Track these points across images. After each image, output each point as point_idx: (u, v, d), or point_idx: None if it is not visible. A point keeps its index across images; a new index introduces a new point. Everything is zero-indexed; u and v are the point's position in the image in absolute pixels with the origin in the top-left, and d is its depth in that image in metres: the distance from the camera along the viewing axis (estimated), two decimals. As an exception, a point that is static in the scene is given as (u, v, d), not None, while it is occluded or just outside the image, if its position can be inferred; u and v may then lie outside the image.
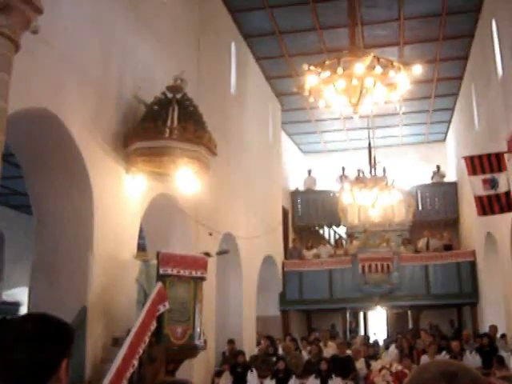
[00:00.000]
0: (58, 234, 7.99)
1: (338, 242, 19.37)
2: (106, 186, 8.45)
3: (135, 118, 9.03)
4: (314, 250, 18.52)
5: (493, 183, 9.32)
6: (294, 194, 21.61)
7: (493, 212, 9.53)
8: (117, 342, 7.93)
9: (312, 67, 8.15)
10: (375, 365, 6.79)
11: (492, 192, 9.32)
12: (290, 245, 19.67)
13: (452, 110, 19.71)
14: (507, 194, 9.35)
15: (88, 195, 8.04)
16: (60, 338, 1.79)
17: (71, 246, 7.95)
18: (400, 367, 6.49)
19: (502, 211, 9.54)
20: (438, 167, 21.44)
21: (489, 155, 9.59)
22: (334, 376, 10.35)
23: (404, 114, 19.60)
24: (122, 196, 8.95)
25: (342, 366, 11.01)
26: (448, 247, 17.77)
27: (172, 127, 8.66)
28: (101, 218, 8.20)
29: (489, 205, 9.40)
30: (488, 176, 9.34)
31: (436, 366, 1.34)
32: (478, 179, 9.44)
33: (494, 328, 13.23)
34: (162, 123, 8.69)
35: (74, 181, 7.97)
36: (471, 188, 9.74)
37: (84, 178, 7.98)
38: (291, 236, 20.57)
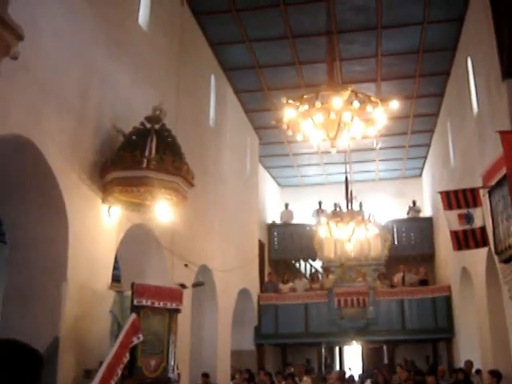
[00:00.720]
0: (32, 263, 7.86)
1: (314, 276, 19.32)
2: (82, 215, 8.37)
3: (113, 148, 8.98)
4: (290, 284, 18.46)
5: (468, 218, 9.41)
6: (271, 227, 21.61)
7: (468, 247, 9.60)
8: (89, 374, 7.78)
9: (290, 101, 8.22)
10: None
11: (467, 227, 9.41)
12: (266, 278, 19.60)
13: (428, 145, 19.97)
14: (482, 229, 9.44)
15: (63, 224, 7.94)
16: (29, 365, 1.74)
17: (45, 274, 7.82)
18: (376, 402, 6.45)
19: (477, 246, 9.61)
20: (414, 202, 21.64)
21: (464, 190, 9.70)
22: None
23: (381, 149, 19.78)
24: (98, 225, 8.86)
25: (317, 401, 10.94)
26: (424, 282, 17.84)
27: (150, 157, 8.62)
28: (75, 247, 8.10)
29: (464, 240, 9.47)
30: (463, 211, 9.44)
31: None
32: (453, 214, 9.52)
33: (469, 363, 13.22)
34: (139, 153, 8.64)
35: (49, 209, 7.88)
36: (447, 223, 9.82)
37: (59, 207, 7.89)
38: (267, 269, 20.51)
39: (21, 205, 7.83)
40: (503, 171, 8.55)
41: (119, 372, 7.31)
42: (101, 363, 7.34)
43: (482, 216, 9.48)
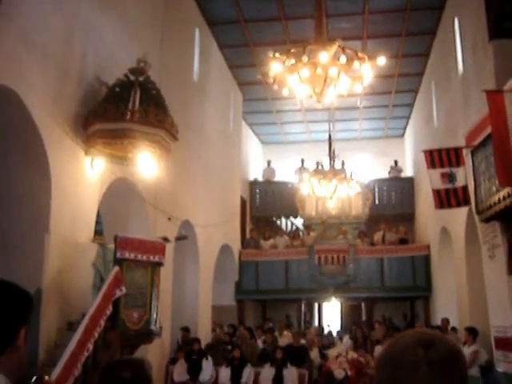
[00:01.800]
0: (14, 215, 7.80)
1: (295, 233, 19.43)
2: (65, 168, 8.29)
3: (96, 100, 8.87)
4: (271, 241, 18.55)
5: (451, 177, 9.46)
6: (253, 184, 21.60)
7: (450, 205, 9.68)
8: (72, 326, 7.81)
9: (277, 54, 8.12)
10: (332, 352, 6.86)
11: (450, 186, 9.47)
12: (248, 235, 19.68)
13: (411, 106, 19.96)
14: (464, 188, 9.50)
15: (46, 176, 7.87)
16: (18, 305, 1.71)
17: (27, 226, 7.78)
18: (356, 355, 6.55)
19: (458, 205, 9.69)
20: (396, 162, 21.70)
21: (447, 150, 9.74)
22: (288, 365, 10.41)
23: (364, 108, 19.79)
24: (81, 178, 8.79)
25: (297, 355, 11.08)
26: (403, 241, 18.02)
27: (133, 110, 8.52)
28: (58, 199, 8.04)
29: (446, 198, 9.54)
30: (446, 170, 9.48)
31: (412, 334, 1.34)
32: (436, 173, 9.57)
33: (445, 321, 13.47)
34: (123, 105, 8.53)
35: (31, 160, 7.79)
36: (429, 181, 9.87)
37: (42, 158, 7.80)
38: (248, 226, 20.58)
39: (3, 157, 7.72)
40: (487, 131, 8.57)
41: (102, 324, 7.34)
42: (83, 315, 7.36)
43: (464, 175, 9.54)
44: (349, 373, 6.15)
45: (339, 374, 6.13)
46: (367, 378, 6.58)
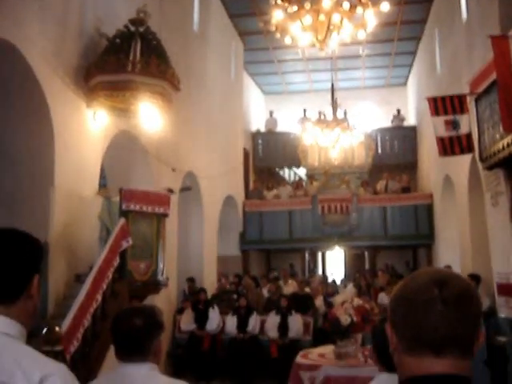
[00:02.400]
0: (18, 169, 7.82)
1: (298, 183, 19.44)
2: (67, 121, 8.27)
3: (97, 52, 8.79)
4: (275, 191, 18.58)
5: (455, 124, 9.40)
6: (255, 135, 21.51)
7: (453, 153, 9.65)
8: (79, 279, 7.91)
9: (279, 1, 7.98)
10: (337, 299, 6.97)
11: (453, 133, 9.41)
12: (251, 186, 19.71)
13: (414, 54, 19.70)
14: (468, 135, 9.46)
15: (48, 129, 7.86)
16: (30, 252, 1.73)
17: (31, 181, 7.80)
18: (361, 302, 6.66)
19: (462, 152, 9.66)
20: (399, 111, 21.54)
21: (451, 97, 9.64)
22: (293, 312, 10.57)
23: (367, 56, 19.54)
24: (83, 132, 8.78)
25: (302, 303, 11.25)
26: (406, 190, 18.03)
27: (134, 61, 8.45)
28: (62, 153, 8.05)
29: (450, 146, 9.50)
30: (450, 117, 9.41)
31: (427, 273, 1.34)
32: (440, 120, 9.50)
33: (448, 268, 13.59)
34: (124, 57, 8.46)
35: (34, 115, 7.77)
36: (433, 129, 9.82)
37: (44, 113, 7.78)
38: (251, 177, 20.59)
39: (5, 112, 7.69)
40: (491, 78, 8.48)
41: (110, 275, 7.44)
42: (91, 268, 7.45)
43: (468, 123, 9.48)
44: (354, 319, 6.24)
45: (345, 320, 6.21)
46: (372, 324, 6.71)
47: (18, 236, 1.74)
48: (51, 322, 6.90)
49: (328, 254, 22.57)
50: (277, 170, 21.85)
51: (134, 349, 2.41)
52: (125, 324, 2.45)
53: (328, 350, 6.97)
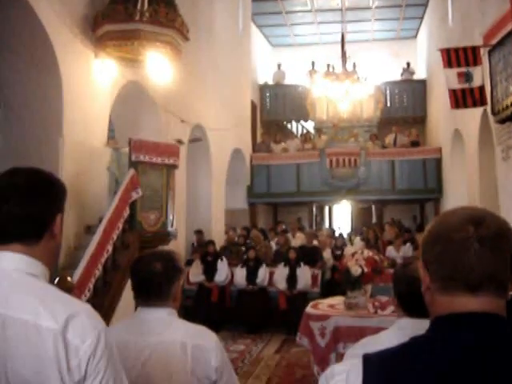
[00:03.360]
0: (26, 120, 7.79)
1: (306, 136, 19.32)
2: (75, 72, 8.19)
3: (104, 1, 8.65)
4: (282, 144, 18.48)
5: (467, 77, 9.28)
6: (263, 87, 21.29)
7: (466, 105, 9.54)
8: (89, 230, 7.96)
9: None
10: (348, 250, 7.01)
11: (466, 85, 9.30)
12: (259, 139, 19.62)
13: (425, 5, 19.32)
14: (481, 88, 9.34)
15: (56, 80, 7.79)
16: (54, 191, 1.71)
17: (40, 131, 7.77)
18: (371, 253, 6.68)
19: (474, 105, 9.56)
20: (408, 64, 21.26)
21: (465, 48, 9.50)
22: (302, 264, 10.63)
23: (376, 8, 19.22)
24: (91, 82, 8.70)
25: (310, 255, 11.31)
26: (415, 144, 17.92)
27: (143, 10, 8.32)
28: (70, 103, 7.99)
29: (462, 98, 9.40)
30: (463, 69, 9.28)
31: (462, 212, 1.32)
32: (452, 72, 9.38)
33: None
34: (132, 5, 8.33)
35: (42, 65, 7.69)
36: (446, 81, 9.69)
37: (52, 62, 7.70)
38: (259, 130, 20.48)
39: (12, 63, 7.62)
40: (506, 30, 8.33)
41: (120, 226, 7.47)
42: (101, 219, 7.48)
43: (481, 75, 9.35)
44: (365, 269, 6.27)
45: (355, 271, 6.24)
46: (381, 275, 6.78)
47: (42, 175, 1.72)
48: (62, 272, 6.96)
49: (335, 208, 22.61)
50: (284, 123, 21.71)
51: (154, 293, 2.41)
52: (144, 268, 2.44)
53: (338, 300, 7.02)
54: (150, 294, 2.42)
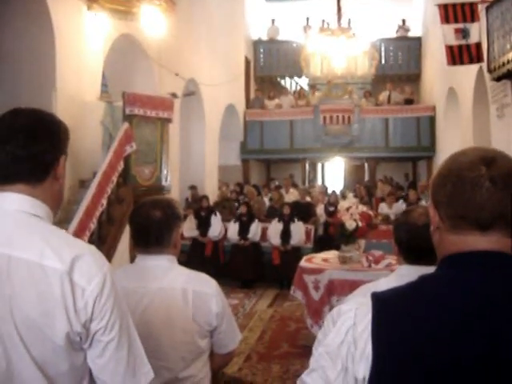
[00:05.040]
0: (20, 73, 7.70)
1: (300, 93, 19.19)
2: (68, 24, 8.08)
3: (97, -50, 8.48)
4: (276, 100, 18.36)
5: (464, 33, 9.21)
6: (257, 43, 21.02)
7: (462, 62, 9.49)
8: (83, 184, 7.94)
9: None
10: (342, 204, 7.03)
11: (463, 42, 9.23)
12: (252, 95, 19.47)
13: (422, -40, 19.04)
14: (477, 45, 9.28)
15: (49, 32, 7.70)
16: (57, 132, 1.68)
17: (33, 84, 7.71)
18: (365, 208, 6.72)
19: (471, 62, 9.50)
20: (404, 21, 21.01)
21: (462, 4, 9.40)
22: (295, 220, 10.68)
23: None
24: (84, 35, 8.59)
25: (303, 211, 11.35)
26: (409, 101, 17.86)
27: (137, -40, 8.18)
28: (62, 56, 7.91)
29: (459, 55, 9.34)
30: (460, 25, 9.21)
31: (474, 150, 1.31)
32: (449, 28, 9.30)
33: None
34: (126, -44, 8.19)
35: (34, 17, 7.58)
36: (443, 37, 9.61)
37: (44, 15, 7.60)
38: (253, 86, 20.31)
39: (4, 15, 7.49)
40: (504, -15, 8.24)
41: (114, 180, 7.46)
42: (94, 174, 7.46)
43: (478, 32, 9.28)
44: (360, 224, 6.31)
45: (350, 225, 6.28)
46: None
47: (45, 115, 1.69)
48: (57, 225, 6.96)
49: (328, 165, 22.62)
50: (278, 79, 21.52)
51: (154, 241, 2.40)
52: (144, 216, 2.43)
53: (332, 254, 7.08)
54: (149, 241, 2.42)
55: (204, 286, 2.46)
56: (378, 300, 1.27)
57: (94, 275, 1.53)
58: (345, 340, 1.27)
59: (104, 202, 7.18)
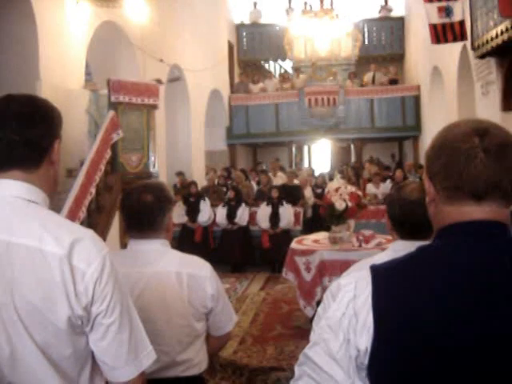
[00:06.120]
0: (3, 64, 7.63)
1: (285, 76, 19.14)
2: (49, 12, 8.01)
3: None
4: (261, 84, 18.31)
5: (448, 11, 9.22)
6: (239, 27, 20.91)
7: (446, 40, 9.51)
8: (71, 173, 7.90)
9: None
10: (331, 185, 7.04)
11: (446, 20, 9.25)
12: (236, 79, 19.41)
13: None
14: (461, 22, 9.29)
15: (31, 20, 7.63)
16: (51, 117, 1.68)
17: (18, 75, 7.65)
18: (354, 189, 6.74)
19: (455, 40, 9.52)
20: (386, 1, 20.97)
21: (445, -18, 9.40)
22: (284, 203, 10.70)
23: None
24: (67, 23, 8.51)
25: (292, 193, 11.37)
26: (394, 82, 17.87)
27: None
28: (45, 45, 7.85)
29: (443, 33, 9.35)
30: (443, 4, 9.22)
31: (467, 122, 1.33)
32: (433, 6, 9.30)
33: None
34: None
35: (14, 6, 7.50)
36: (426, 15, 9.62)
37: (25, 3, 7.53)
38: (237, 71, 20.23)
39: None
40: (487, -39, 8.23)
41: (102, 168, 7.43)
42: (81, 163, 7.42)
43: (461, 10, 9.30)
44: (349, 204, 6.34)
45: (340, 205, 6.31)
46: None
47: (38, 100, 1.69)
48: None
49: (314, 147, 22.64)
50: (262, 63, 21.47)
51: (146, 225, 2.40)
52: (135, 200, 2.41)
53: (322, 236, 7.11)
54: (142, 225, 2.41)
55: (198, 268, 2.48)
56: (378, 272, 1.29)
57: (93, 259, 1.54)
58: (346, 312, 1.29)
59: (93, 190, 7.15)
